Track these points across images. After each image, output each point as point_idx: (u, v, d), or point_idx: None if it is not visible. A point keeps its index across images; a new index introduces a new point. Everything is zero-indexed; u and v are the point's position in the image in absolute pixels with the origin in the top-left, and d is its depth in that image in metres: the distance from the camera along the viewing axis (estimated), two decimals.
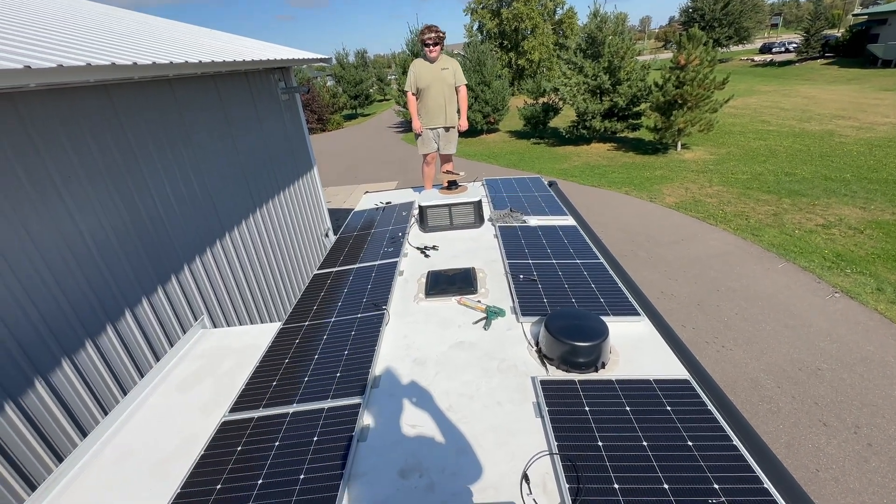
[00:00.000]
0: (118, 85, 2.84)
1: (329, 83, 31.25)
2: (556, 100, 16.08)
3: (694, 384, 1.43)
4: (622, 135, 14.55)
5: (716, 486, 1.09)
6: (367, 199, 3.79)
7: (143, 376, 2.74)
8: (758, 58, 34.77)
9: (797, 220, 7.56)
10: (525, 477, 1.16)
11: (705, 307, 5.42)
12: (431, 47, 3.77)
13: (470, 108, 16.84)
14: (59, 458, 2.28)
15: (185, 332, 3.15)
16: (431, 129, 3.84)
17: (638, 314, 1.80)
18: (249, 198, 4.33)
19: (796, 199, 8.44)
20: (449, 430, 1.35)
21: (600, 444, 1.22)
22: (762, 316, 5.13)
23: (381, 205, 3.50)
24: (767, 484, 1.09)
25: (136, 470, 1.53)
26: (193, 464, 1.38)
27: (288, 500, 1.16)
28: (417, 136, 3.93)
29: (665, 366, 1.54)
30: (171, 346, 3.09)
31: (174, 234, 3.26)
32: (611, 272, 2.15)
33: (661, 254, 6.89)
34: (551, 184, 3.69)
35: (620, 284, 2.03)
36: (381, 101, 37.06)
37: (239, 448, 1.38)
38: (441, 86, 3.84)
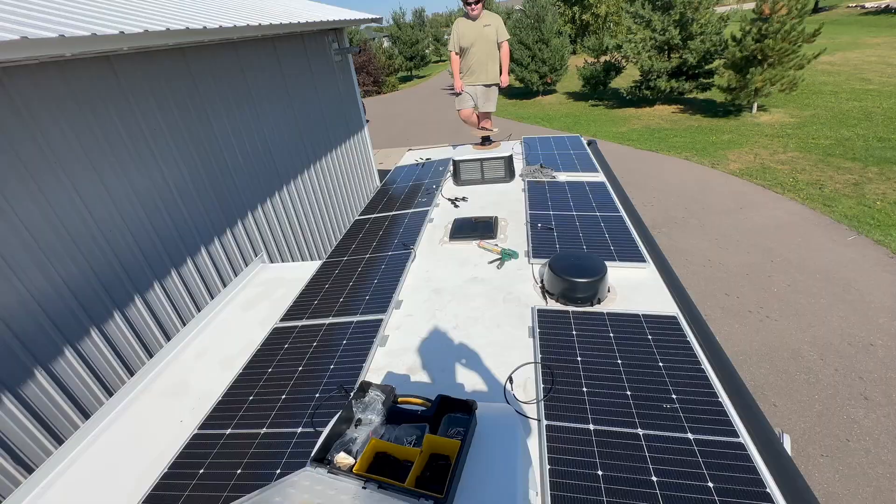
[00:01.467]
0: (192, 48, 3.21)
1: (385, 45, 31.16)
2: (619, 58, 15.08)
3: (681, 320, 1.55)
4: (690, 96, 13.48)
5: (674, 397, 1.25)
6: (408, 156, 4.01)
7: (213, 298, 3.25)
8: (869, 4, 29.96)
9: (881, 191, 6.85)
10: (510, 379, 1.39)
11: (754, 277, 5.21)
12: (473, 5, 3.78)
13: (525, 67, 16.26)
14: (150, 354, 2.83)
15: (246, 266, 3.63)
16: (471, 86, 3.90)
17: (644, 261, 1.91)
18: (304, 154, 4.71)
19: (885, 168, 7.58)
20: (454, 343, 1.60)
21: (579, 359, 1.41)
22: (817, 289, 4.86)
23: (420, 161, 3.71)
24: (723, 397, 1.23)
25: (209, 363, 1.94)
26: (250, 357, 1.74)
27: (320, 380, 1.47)
28: (456, 94, 4.01)
29: (658, 305, 1.67)
30: (236, 276, 3.59)
31: (240, 184, 3.69)
32: (627, 224, 2.24)
33: (715, 222, 6.58)
34: (590, 143, 3.69)
35: (634, 235, 2.13)
36: (436, 62, 36.48)
37: (286, 346, 1.72)
38: (483, 43, 3.86)
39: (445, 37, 38.82)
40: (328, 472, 0.81)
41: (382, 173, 7.13)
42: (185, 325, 3.08)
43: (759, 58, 10.37)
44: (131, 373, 2.66)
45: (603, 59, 16.26)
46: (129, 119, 2.71)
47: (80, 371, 2.37)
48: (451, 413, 0.93)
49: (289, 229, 4.42)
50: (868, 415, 3.42)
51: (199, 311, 3.17)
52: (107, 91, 2.59)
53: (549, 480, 1.04)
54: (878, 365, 3.83)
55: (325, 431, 0.92)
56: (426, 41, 31.58)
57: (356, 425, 0.95)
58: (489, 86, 4.04)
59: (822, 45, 10.66)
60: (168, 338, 2.94)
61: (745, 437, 1.13)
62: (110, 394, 2.53)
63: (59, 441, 2.25)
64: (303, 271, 2.65)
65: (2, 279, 2.04)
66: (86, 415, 2.38)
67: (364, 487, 0.78)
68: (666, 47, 12.67)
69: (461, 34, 3.95)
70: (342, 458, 0.85)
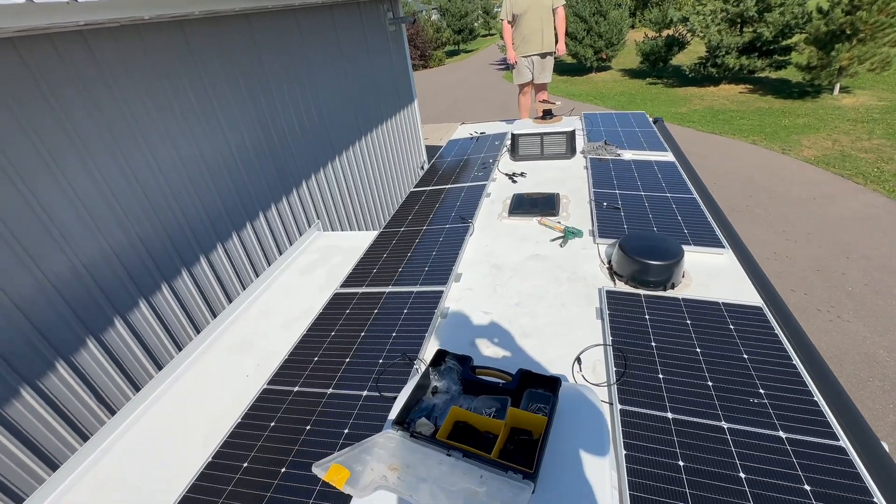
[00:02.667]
0: (256, 14, 3.23)
1: (434, 17, 30.53)
2: (684, 32, 14.03)
3: (766, 312, 1.44)
4: (761, 74, 12.40)
5: (761, 392, 1.16)
6: (462, 129, 3.92)
7: (270, 263, 3.37)
8: None
9: None
10: (578, 360, 1.34)
11: (827, 273, 4.81)
12: None
13: (580, 41, 15.47)
14: (214, 314, 2.98)
15: (301, 233, 3.73)
16: (526, 56, 3.71)
17: (722, 246, 1.78)
18: (356, 125, 4.72)
19: None
20: (515, 319, 1.56)
21: (653, 344, 1.34)
22: None
23: (475, 135, 3.62)
24: (818, 397, 1.13)
25: (271, 323, 2.01)
26: (312, 321, 1.78)
27: (383, 347, 1.48)
28: (512, 66, 3.84)
29: (740, 295, 1.55)
30: (291, 242, 3.69)
31: (296, 153, 3.75)
32: (702, 207, 2.09)
33: (783, 212, 6.10)
34: (656, 120, 3.46)
35: (710, 218, 1.98)
36: (485, 35, 35.43)
37: (347, 311, 1.74)
38: (538, 10, 3.65)
39: (496, 8, 37.51)
40: (411, 436, 0.80)
41: (428, 149, 7.07)
42: (244, 287, 3.23)
43: (848, 32, 9.34)
44: (197, 330, 2.82)
45: (665, 33, 15.21)
46: (197, 85, 2.79)
47: (150, 321, 2.54)
48: (532, 389, 0.90)
49: (339, 200, 4.49)
50: None
51: (258, 274, 3.30)
52: (179, 56, 2.66)
53: (626, 466, 1.00)
54: None
55: (404, 396, 0.91)
56: (475, 13, 30.69)
57: (433, 393, 0.94)
58: (545, 55, 3.83)
59: None
60: (229, 298, 3.08)
61: (845, 442, 1.03)
62: (180, 348, 2.70)
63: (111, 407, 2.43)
64: (357, 240, 2.68)
65: (87, 233, 2.18)
66: (132, 383, 2.55)
67: (448, 454, 0.76)
68: (739, 20, 11.65)
69: (514, 1, 3.75)
70: (422, 424, 0.84)
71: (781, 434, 1.05)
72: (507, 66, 21.31)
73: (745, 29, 11.74)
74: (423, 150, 6.74)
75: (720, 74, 12.30)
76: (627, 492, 0.95)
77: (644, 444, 1.05)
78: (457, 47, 30.20)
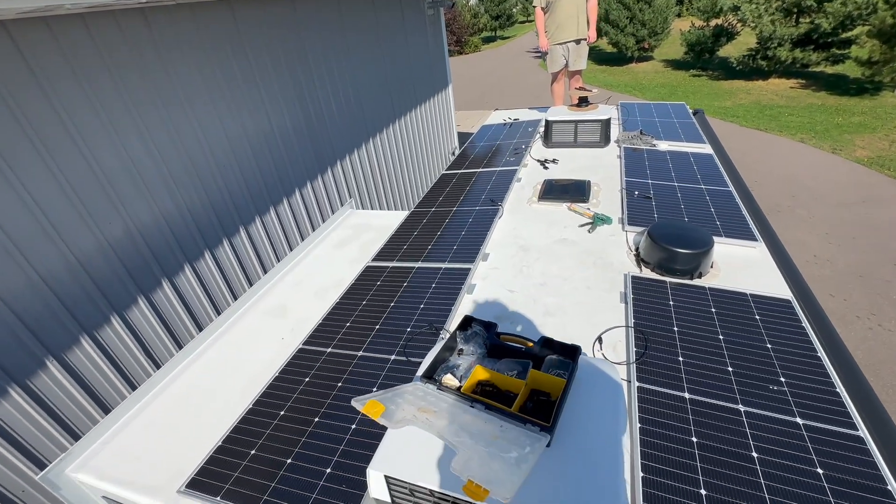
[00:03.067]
0: None
1: (472, 2, 30.06)
2: (734, 21, 13.35)
3: (795, 305, 1.43)
4: (816, 69, 11.70)
5: (782, 380, 1.17)
6: (496, 115, 3.93)
7: (304, 238, 3.51)
8: None
9: None
10: (599, 339, 1.38)
11: (869, 280, 4.60)
12: None
13: (622, 30, 14.96)
14: (250, 282, 3.14)
15: (334, 211, 3.85)
16: (560, 43, 3.66)
17: (755, 239, 1.76)
18: (391, 107, 4.79)
19: None
20: (540, 298, 1.60)
21: (675, 329, 1.36)
22: None
23: (508, 121, 3.62)
24: (840, 388, 1.14)
25: (305, 292, 2.12)
26: (345, 290, 1.88)
27: (411, 317, 1.56)
28: (545, 54, 3.80)
29: (769, 287, 1.54)
30: (324, 219, 3.82)
31: (333, 132, 3.86)
32: (737, 200, 2.06)
33: (827, 214, 5.83)
34: (696, 112, 3.37)
35: (744, 212, 1.95)
36: (522, 22, 34.67)
37: (378, 283, 1.82)
38: None
39: None
40: (437, 388, 0.87)
41: (460, 136, 7.08)
42: (279, 259, 3.38)
43: None
44: (235, 296, 2.99)
45: (714, 22, 14.52)
46: (243, 62, 2.91)
47: (193, 284, 2.71)
48: (553, 356, 0.95)
49: (372, 181, 4.59)
50: None
51: (292, 248, 3.45)
52: (227, 34, 2.78)
53: (640, 438, 1.04)
54: None
55: (432, 355, 0.98)
56: None
57: (458, 354, 1.00)
58: (580, 41, 3.77)
59: None
60: (265, 269, 3.24)
61: (864, 431, 1.04)
62: (218, 312, 2.87)
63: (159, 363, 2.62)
64: (388, 219, 2.76)
65: (140, 199, 2.35)
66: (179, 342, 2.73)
67: (472, 406, 0.83)
68: (795, 10, 10.99)
69: None
70: (449, 379, 0.91)
71: (798, 420, 1.07)
72: (542, 55, 20.86)
73: (801, 19, 11.09)
74: (455, 136, 6.76)
75: (770, 68, 11.69)
76: (639, 461, 1.00)
77: (659, 420, 1.08)
78: (494, 33, 29.71)
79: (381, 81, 4.56)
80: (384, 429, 1.10)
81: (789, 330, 1.33)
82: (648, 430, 1.06)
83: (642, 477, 0.96)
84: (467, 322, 1.04)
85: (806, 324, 1.35)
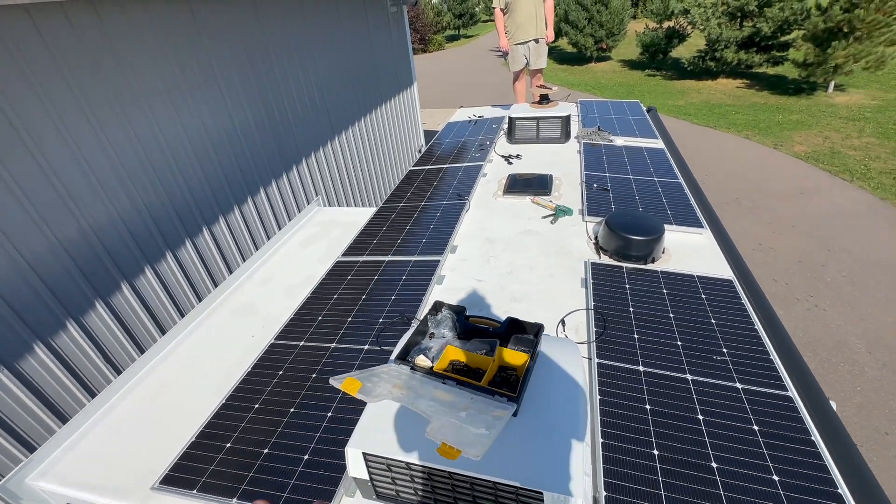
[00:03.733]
0: None
1: (434, 0, 30.06)
2: (685, 24, 14.04)
3: (736, 284, 1.57)
4: (759, 70, 12.49)
5: (724, 351, 1.29)
6: (460, 113, 4.00)
7: (269, 237, 3.45)
8: None
9: None
10: (562, 322, 1.46)
11: (808, 265, 5.00)
12: None
13: (581, 30, 15.41)
14: (215, 284, 3.07)
15: (300, 209, 3.81)
16: (521, 43, 3.78)
17: (701, 226, 1.90)
18: (355, 105, 4.77)
19: None
20: (507, 286, 1.68)
21: (631, 310, 1.46)
22: (875, 282, 4.62)
23: (473, 118, 3.70)
24: (774, 355, 1.27)
25: (273, 290, 2.11)
26: (316, 285, 1.89)
27: (383, 308, 1.59)
28: (506, 54, 3.90)
29: (714, 269, 1.68)
30: (291, 218, 3.78)
31: (297, 131, 3.81)
32: (686, 192, 2.21)
33: (771, 205, 6.27)
34: (649, 109, 3.56)
35: (692, 202, 2.10)
36: (485, 21, 35.00)
37: (349, 277, 1.85)
38: None
39: None
40: (410, 368, 0.92)
41: (426, 133, 7.11)
42: (244, 258, 3.32)
43: (846, 30, 9.43)
44: (199, 297, 2.91)
45: (666, 24, 15.19)
46: (203, 58, 2.83)
47: (155, 286, 2.63)
48: (518, 334, 1.02)
49: (338, 178, 4.56)
50: None
51: (258, 247, 3.39)
52: (184, 29, 2.70)
53: (600, 408, 1.12)
54: None
55: (404, 339, 1.03)
56: None
57: (430, 338, 1.05)
58: (538, 41, 3.89)
59: None
60: (230, 268, 3.17)
61: (793, 392, 1.17)
62: (182, 313, 2.79)
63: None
64: (356, 216, 2.77)
65: (96, 198, 2.26)
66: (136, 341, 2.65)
67: (444, 383, 0.88)
68: (739, 14, 11.68)
69: None
70: (421, 360, 0.95)
71: (738, 385, 1.18)
72: (504, 54, 21.27)
73: (744, 23, 11.79)
74: (420, 133, 6.80)
75: (718, 68, 12.38)
76: (599, 429, 1.08)
77: (617, 392, 1.17)
78: (457, 32, 29.85)
79: (346, 79, 4.54)
80: (358, 417, 1.14)
81: (731, 306, 1.46)
82: (607, 401, 1.15)
83: (602, 443, 1.05)
84: (438, 307, 1.09)
85: (745, 301, 1.49)
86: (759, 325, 1.38)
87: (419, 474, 0.87)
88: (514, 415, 0.85)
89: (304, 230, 2.69)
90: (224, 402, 1.33)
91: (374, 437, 0.88)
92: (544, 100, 3.07)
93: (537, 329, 1.00)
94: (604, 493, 0.94)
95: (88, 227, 2.24)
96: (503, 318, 1.08)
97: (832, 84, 10.45)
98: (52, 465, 1.43)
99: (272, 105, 3.49)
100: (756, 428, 1.07)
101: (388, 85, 5.51)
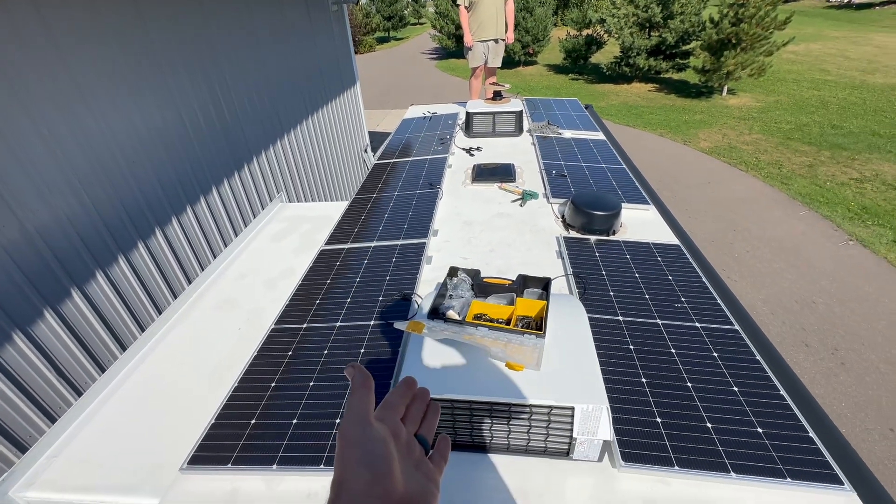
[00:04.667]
0: None
1: (362, 1, 29.77)
2: (602, 32, 15.25)
3: (682, 248, 1.85)
4: (666, 75, 13.92)
5: (682, 299, 1.54)
6: (413, 110, 4.11)
7: (236, 234, 3.33)
8: None
9: (831, 173, 7.53)
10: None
11: (718, 244, 5.73)
12: None
13: None
14: (189, 281, 2.92)
15: (261, 208, 3.71)
16: (482, 41, 3.99)
17: (648, 204, 2.19)
18: (303, 103, 4.70)
19: (836, 153, 8.29)
20: (491, 262, 1.83)
21: (603, 273, 1.68)
22: (772, 255, 5.43)
23: (428, 114, 3.83)
24: (719, 300, 1.54)
25: (252, 284, 2.09)
26: (305, 273, 1.91)
27: (380, 288, 1.67)
28: (468, 50, 4.09)
29: (663, 237, 1.96)
30: (245, 221, 3.66)
31: (247, 130, 3.70)
32: (630, 175, 2.51)
33: (686, 195, 7.07)
34: (587, 106, 3.92)
35: (637, 184, 2.40)
36: (415, 24, 35.30)
37: (338, 263, 1.90)
38: None
39: None
40: (444, 321, 1.03)
41: (369, 134, 7.12)
42: (200, 264, 3.17)
43: (734, 41, 10.83)
44: (175, 294, 2.75)
45: (585, 32, 16.36)
46: (151, 55, 2.69)
47: (107, 291, 2.46)
48: (531, 288, 1.17)
49: (290, 177, 4.47)
50: (807, 358, 3.98)
51: (226, 244, 3.27)
52: (129, 25, 2.55)
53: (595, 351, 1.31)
54: (819, 319, 4.41)
55: (428, 302, 1.13)
56: (405, 0, 30.42)
57: (450, 299, 1.17)
58: (498, 41, 4.14)
59: (791, 34, 11.22)
60: (202, 266, 3.03)
61: (738, 327, 1.44)
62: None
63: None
64: (325, 210, 2.78)
65: (40, 199, 2.08)
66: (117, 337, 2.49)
67: (477, 329, 1.01)
68: (647, 24, 12.94)
69: None
70: (452, 314, 1.07)
71: (697, 325, 1.43)
72: (440, 56, 21.67)
73: (652, 33, 13.08)
74: (365, 133, 6.80)
75: (632, 73, 13.60)
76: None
77: (604, 338, 1.37)
78: (387, 34, 29.81)
79: (292, 78, 4.47)
80: (377, 387, 1.22)
81: (681, 266, 1.73)
82: (599, 344, 1.33)
83: (603, 377, 1.23)
84: (454, 271, 1.21)
85: (690, 259, 1.77)
86: (704, 279, 1.65)
87: (461, 411, 0.98)
88: None
89: (271, 226, 2.65)
90: (237, 384, 1.34)
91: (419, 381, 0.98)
92: (497, 96, 3.28)
93: (546, 281, 1.16)
94: (610, 408, 1.12)
95: (33, 229, 2.06)
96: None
97: (725, 88, 11.94)
98: (38, 474, 1.35)
99: (222, 103, 3.37)
100: (715, 354, 1.31)
101: (332, 84, 5.48)
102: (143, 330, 2.32)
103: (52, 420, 2.12)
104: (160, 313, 1.95)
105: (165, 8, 2.81)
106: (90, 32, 2.31)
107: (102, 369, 2.34)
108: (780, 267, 5.23)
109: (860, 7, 26.62)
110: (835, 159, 8.03)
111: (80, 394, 2.02)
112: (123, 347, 2.48)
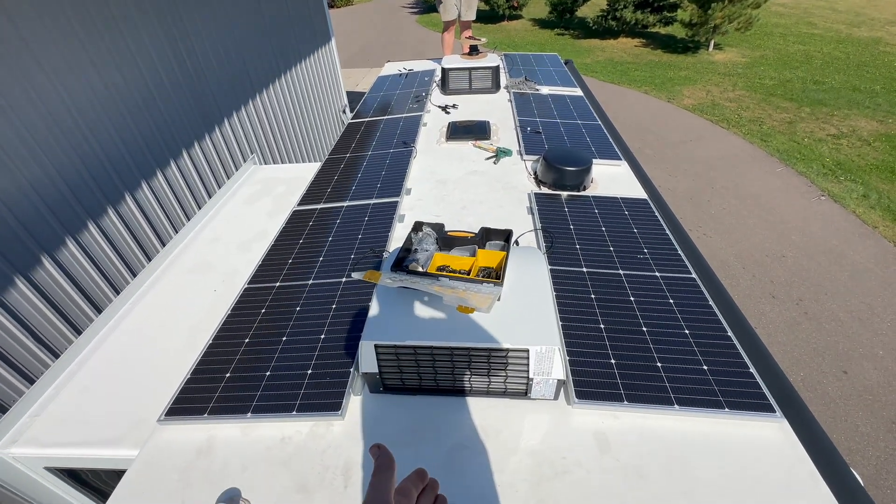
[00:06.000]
0: None
1: None
2: None
3: (650, 202, 1.89)
4: (653, 29, 13.57)
5: (645, 250, 1.60)
6: (389, 67, 3.98)
7: (200, 208, 3.27)
8: None
9: (809, 129, 7.59)
10: (516, 241, 1.67)
11: (697, 201, 5.83)
12: None
13: None
14: (163, 245, 2.90)
15: (234, 170, 3.63)
16: None
17: (619, 159, 2.21)
18: (274, 61, 4.50)
19: (816, 109, 8.33)
20: (463, 219, 1.85)
21: (571, 227, 1.72)
22: (747, 212, 5.55)
23: (403, 71, 3.72)
24: (680, 252, 1.59)
25: (226, 246, 2.09)
26: (277, 233, 1.91)
27: (352, 246, 1.69)
28: (439, 2, 3.93)
29: (632, 192, 1.99)
30: (219, 184, 3.59)
31: (216, 89, 3.55)
32: (604, 130, 2.51)
33: (667, 153, 7.10)
34: (566, 62, 3.84)
35: (610, 140, 2.41)
36: None
37: (311, 223, 1.90)
38: None
39: None
40: (407, 273, 1.06)
41: (347, 94, 6.89)
42: (174, 227, 3.13)
43: None
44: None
45: None
46: (102, 8, 2.52)
47: (83, 262, 2.43)
48: (492, 240, 1.20)
49: (264, 139, 4.35)
50: (773, 308, 4.17)
51: (199, 206, 3.21)
52: None
53: (557, 301, 1.36)
54: (786, 272, 4.58)
55: (394, 255, 1.16)
56: None
57: (415, 253, 1.20)
58: None
59: None
60: (176, 229, 2.99)
61: (695, 275, 1.50)
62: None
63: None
64: (298, 171, 2.74)
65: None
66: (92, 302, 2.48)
67: (438, 280, 1.04)
68: None
69: None
70: (415, 266, 1.10)
71: (657, 274, 1.49)
72: (420, 10, 20.70)
73: None
74: (343, 92, 6.58)
75: (619, 27, 13.22)
76: (558, 314, 1.32)
77: (568, 288, 1.42)
78: None
79: (261, 33, 4.25)
80: (351, 341, 1.27)
81: (646, 219, 1.77)
82: (561, 295, 1.39)
83: (562, 325, 1.29)
84: (418, 226, 1.23)
85: (656, 212, 1.81)
86: (668, 231, 1.70)
87: (424, 356, 1.03)
88: (498, 299, 1.04)
89: (244, 188, 2.62)
90: (211, 341, 1.37)
91: (382, 330, 1.02)
92: (474, 51, 3.18)
93: (508, 233, 1.19)
94: (567, 350, 1.19)
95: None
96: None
97: (712, 43, 11.72)
98: (21, 431, 1.38)
99: (185, 60, 3.22)
100: (672, 301, 1.38)
101: (305, 41, 5.23)
102: (118, 293, 2.32)
103: (31, 382, 2.14)
104: (135, 277, 1.95)
105: None
106: None
107: (79, 332, 2.35)
108: (754, 223, 5.36)
109: None
110: (814, 115, 8.08)
111: (57, 357, 2.04)
112: (99, 310, 2.48)
